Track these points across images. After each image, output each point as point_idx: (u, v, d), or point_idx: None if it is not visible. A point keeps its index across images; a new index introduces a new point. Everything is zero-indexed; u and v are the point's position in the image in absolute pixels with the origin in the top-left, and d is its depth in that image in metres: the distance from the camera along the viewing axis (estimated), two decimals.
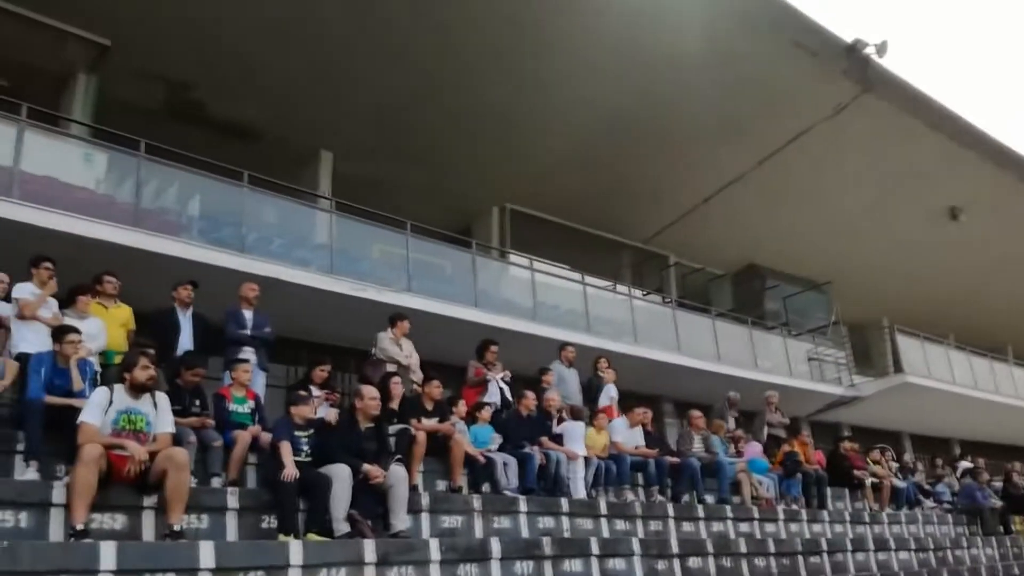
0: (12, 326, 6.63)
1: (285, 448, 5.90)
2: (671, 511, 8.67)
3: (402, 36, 13.09)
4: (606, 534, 7.84)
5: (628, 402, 10.35)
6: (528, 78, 14.35)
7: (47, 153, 9.82)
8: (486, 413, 8.33)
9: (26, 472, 5.40)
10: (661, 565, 7.33)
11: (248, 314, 8.02)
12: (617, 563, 6.98)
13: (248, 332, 7.88)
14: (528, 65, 14.06)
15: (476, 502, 7.11)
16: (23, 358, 6.15)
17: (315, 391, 7.46)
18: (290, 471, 5.70)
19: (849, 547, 9.71)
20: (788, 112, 16.41)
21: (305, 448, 6.13)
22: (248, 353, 7.65)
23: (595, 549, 6.87)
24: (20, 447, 5.55)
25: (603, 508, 8.10)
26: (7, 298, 6.79)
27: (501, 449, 8.09)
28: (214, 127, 13.99)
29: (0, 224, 8.31)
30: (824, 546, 9.35)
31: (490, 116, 14.96)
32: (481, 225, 17.53)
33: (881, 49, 15.81)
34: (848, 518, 11.06)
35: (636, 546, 7.23)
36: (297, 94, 13.72)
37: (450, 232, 14.52)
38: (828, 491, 11.52)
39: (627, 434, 9.70)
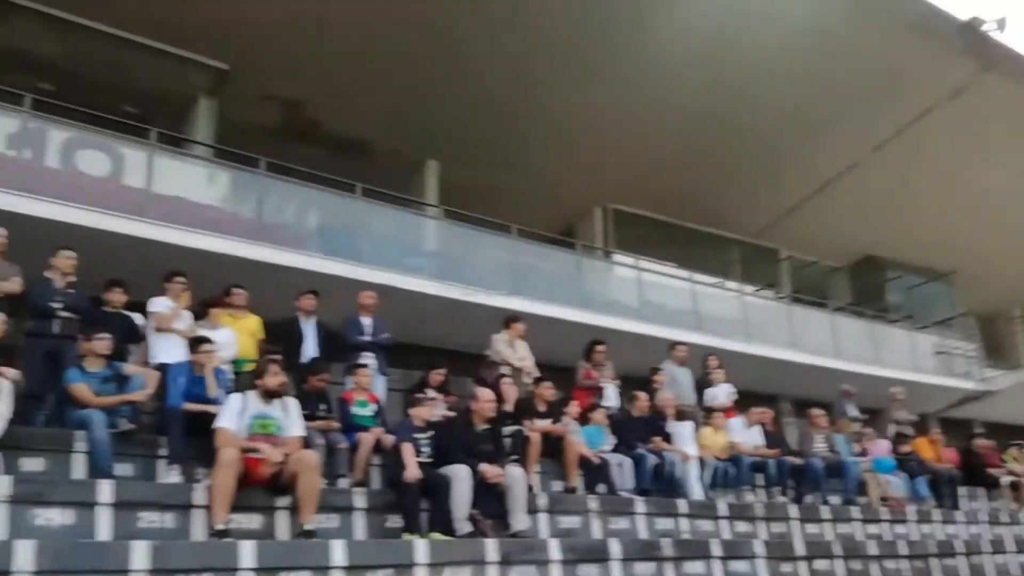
0: (149, 338, 7.07)
1: (407, 449, 6.04)
2: (794, 512, 8.41)
3: (502, 45, 13.24)
4: (727, 536, 7.68)
5: (745, 401, 10.12)
6: (626, 77, 14.21)
7: (175, 174, 10.44)
8: (599, 414, 8.29)
9: (169, 475, 5.74)
10: (786, 568, 7.12)
11: (367, 321, 8.26)
12: (740, 565, 6.83)
13: (368, 338, 8.12)
14: (627, 64, 13.95)
15: (593, 503, 7.09)
16: (162, 368, 6.53)
17: (431, 394, 7.61)
18: (413, 472, 5.85)
19: (988, 548, 9.19)
20: (903, 96, 15.65)
21: (425, 449, 6.27)
22: (368, 358, 7.87)
23: (716, 551, 6.75)
24: (163, 452, 5.91)
25: (723, 509, 7.94)
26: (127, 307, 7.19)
27: (615, 450, 8.05)
28: (327, 143, 14.54)
29: (136, 242, 8.90)
30: (960, 548, 8.87)
31: (589, 117, 14.89)
32: (584, 226, 17.47)
33: (1001, 24, 14.88)
34: (985, 518, 10.46)
35: (759, 548, 7.06)
36: (403, 108, 14.06)
37: (554, 234, 14.53)
38: (961, 491, 10.94)
39: (745, 434, 9.48)
